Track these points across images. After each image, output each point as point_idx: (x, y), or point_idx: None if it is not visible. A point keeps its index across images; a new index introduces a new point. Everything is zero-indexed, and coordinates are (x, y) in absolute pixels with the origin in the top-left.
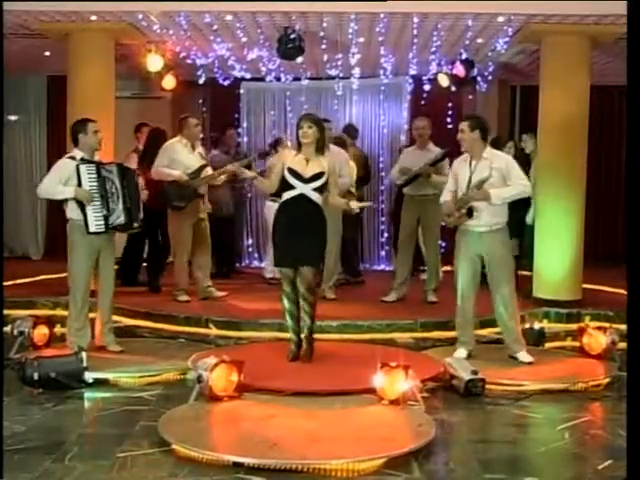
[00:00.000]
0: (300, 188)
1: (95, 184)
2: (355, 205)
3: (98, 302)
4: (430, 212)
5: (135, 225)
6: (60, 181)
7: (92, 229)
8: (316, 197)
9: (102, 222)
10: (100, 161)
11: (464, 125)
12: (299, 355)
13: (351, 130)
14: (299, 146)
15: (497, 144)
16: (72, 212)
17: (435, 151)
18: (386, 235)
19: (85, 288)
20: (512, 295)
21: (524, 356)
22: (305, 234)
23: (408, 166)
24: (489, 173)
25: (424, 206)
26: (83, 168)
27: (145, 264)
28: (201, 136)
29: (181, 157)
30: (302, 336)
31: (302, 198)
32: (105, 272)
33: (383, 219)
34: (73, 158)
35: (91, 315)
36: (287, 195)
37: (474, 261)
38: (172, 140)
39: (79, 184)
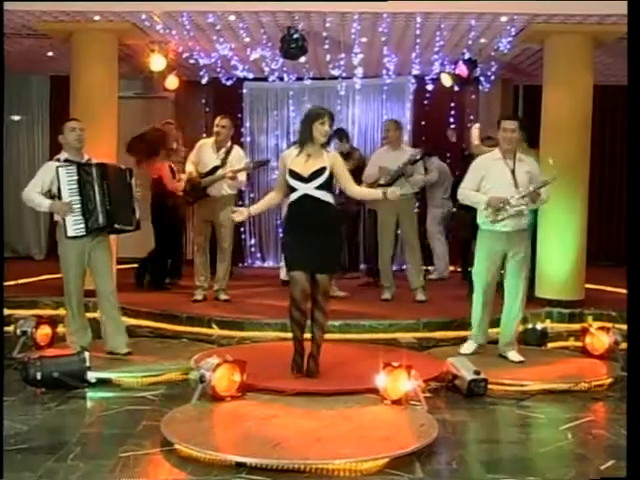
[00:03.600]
0: (302, 189)
1: (75, 187)
2: (394, 194)
3: (99, 310)
4: (409, 211)
5: (117, 226)
6: (42, 186)
7: (70, 233)
8: (321, 195)
9: (82, 226)
10: (83, 162)
11: (514, 124)
12: (303, 367)
13: (342, 134)
14: (303, 142)
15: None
16: (56, 215)
17: (409, 151)
18: None
19: (76, 289)
20: (525, 296)
21: (515, 355)
22: (319, 237)
23: (386, 166)
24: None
25: (403, 206)
26: (62, 171)
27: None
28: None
29: (203, 156)
30: (311, 349)
31: (306, 199)
32: (99, 274)
33: None
34: (59, 160)
35: (93, 315)
36: (292, 197)
37: (497, 261)
38: (207, 139)
39: (59, 188)
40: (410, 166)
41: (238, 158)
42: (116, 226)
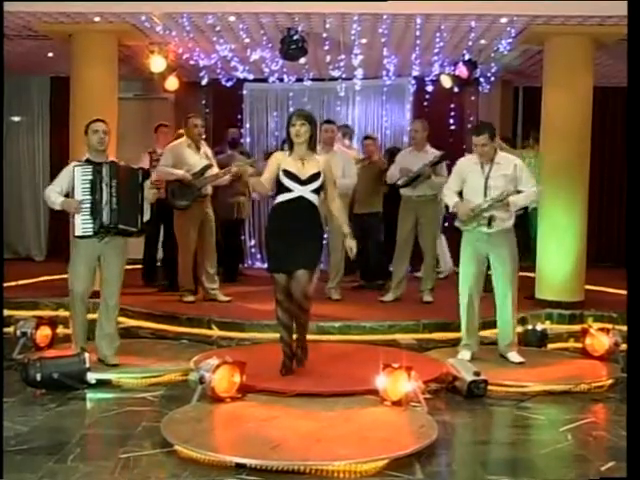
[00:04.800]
0: (298, 191)
1: (87, 186)
2: (350, 245)
3: (97, 315)
4: (429, 212)
5: (122, 227)
6: (61, 186)
7: (78, 233)
8: (314, 199)
9: (90, 225)
10: (100, 161)
11: (484, 139)
12: (292, 368)
13: (346, 131)
14: (291, 145)
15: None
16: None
17: (432, 153)
18: None
19: (81, 290)
20: (516, 295)
21: (515, 356)
22: (303, 238)
23: (407, 167)
24: (507, 185)
25: (422, 207)
26: (78, 170)
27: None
28: (204, 136)
29: (185, 157)
30: (297, 340)
31: (300, 201)
32: (107, 278)
33: None
34: (80, 161)
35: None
36: (284, 197)
37: (481, 262)
38: (177, 141)
39: (73, 186)
40: (429, 168)
41: (211, 155)
42: (121, 227)
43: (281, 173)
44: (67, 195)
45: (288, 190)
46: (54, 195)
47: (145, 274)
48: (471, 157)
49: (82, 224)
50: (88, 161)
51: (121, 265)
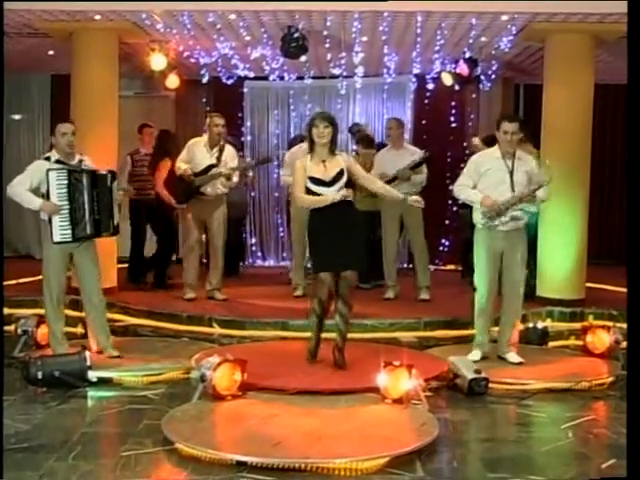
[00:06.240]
0: (327, 193)
1: (64, 191)
2: (414, 199)
3: (85, 312)
4: (414, 211)
5: (104, 234)
6: (31, 184)
7: (56, 239)
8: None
9: (68, 232)
10: (74, 164)
11: (516, 127)
12: (317, 354)
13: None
14: (312, 147)
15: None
16: (43, 214)
17: (411, 150)
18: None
19: (58, 291)
20: (523, 295)
21: (514, 357)
22: (346, 237)
23: (386, 168)
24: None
25: (407, 205)
26: (53, 175)
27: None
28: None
29: (194, 155)
30: (336, 342)
31: (334, 202)
32: (83, 276)
33: None
34: (48, 159)
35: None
36: None
37: (497, 262)
38: (197, 138)
39: (48, 190)
40: (409, 170)
41: (232, 156)
42: (103, 234)
43: (308, 181)
44: (35, 193)
45: (318, 195)
46: (27, 194)
47: (131, 273)
48: (489, 152)
49: (60, 230)
50: (59, 162)
51: (95, 261)
